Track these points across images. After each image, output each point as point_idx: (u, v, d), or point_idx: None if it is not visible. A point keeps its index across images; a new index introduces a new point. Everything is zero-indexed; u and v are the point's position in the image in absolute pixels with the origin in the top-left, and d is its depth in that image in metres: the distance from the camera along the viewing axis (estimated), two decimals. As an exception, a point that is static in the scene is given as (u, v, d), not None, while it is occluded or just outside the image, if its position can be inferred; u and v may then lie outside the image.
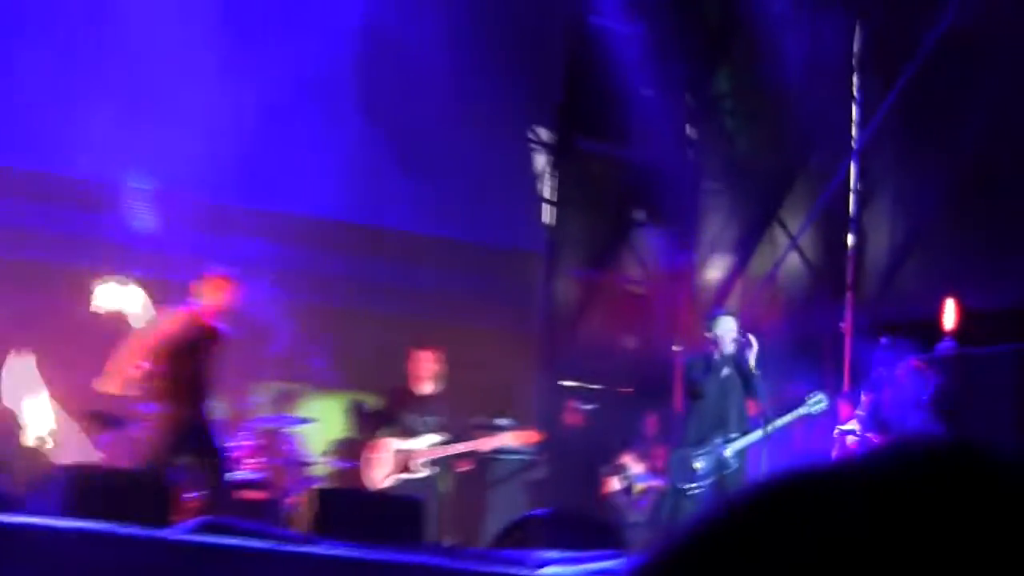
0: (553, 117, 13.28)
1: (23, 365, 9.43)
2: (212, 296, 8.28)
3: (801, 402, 8.58)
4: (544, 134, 13.34)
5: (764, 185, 12.84)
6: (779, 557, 0.67)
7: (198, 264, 8.59)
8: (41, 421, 9.33)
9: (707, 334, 8.56)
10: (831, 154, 12.07)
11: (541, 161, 13.37)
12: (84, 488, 6.61)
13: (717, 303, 12.02)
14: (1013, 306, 9.74)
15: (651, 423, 11.22)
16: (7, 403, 9.28)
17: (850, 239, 12.03)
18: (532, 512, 8.83)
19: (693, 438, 8.48)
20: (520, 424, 10.40)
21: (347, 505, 7.64)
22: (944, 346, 9.28)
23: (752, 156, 13.08)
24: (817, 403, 8.57)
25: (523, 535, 7.82)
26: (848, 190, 11.99)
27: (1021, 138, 10.16)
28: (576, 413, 12.62)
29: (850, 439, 9.14)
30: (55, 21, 10.72)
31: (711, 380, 8.44)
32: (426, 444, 9.26)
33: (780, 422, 8.39)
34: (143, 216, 10.59)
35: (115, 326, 8.45)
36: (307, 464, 9.87)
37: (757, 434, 8.37)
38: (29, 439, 9.24)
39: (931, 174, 11.00)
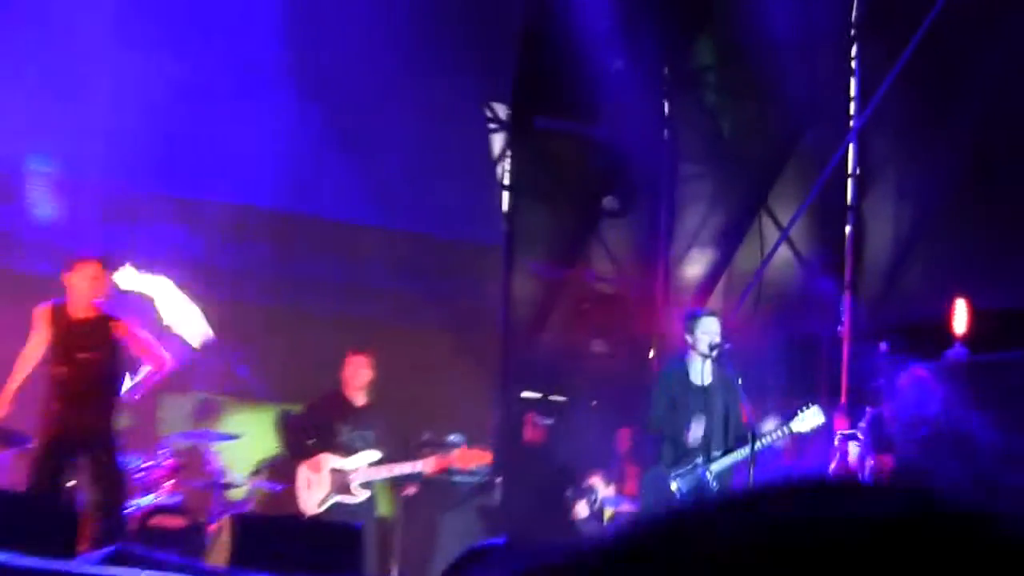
0: (511, 92, 13.15)
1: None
2: (84, 285, 8.09)
3: (793, 416, 8.42)
4: (501, 111, 13.24)
5: (751, 169, 12.75)
6: None
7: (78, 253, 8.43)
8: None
9: (686, 337, 8.46)
10: (827, 134, 11.88)
11: (498, 142, 13.31)
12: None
13: (698, 302, 12.01)
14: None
15: (622, 439, 11.11)
16: None
17: (848, 230, 11.87)
18: (486, 542, 8.27)
19: (670, 457, 8.38)
20: (473, 441, 10.33)
21: (273, 533, 7.42)
22: (954, 353, 9.13)
23: (737, 137, 13.04)
24: (811, 417, 8.40)
25: (475, 568, 7.20)
26: (845, 175, 11.80)
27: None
28: (537, 428, 12.36)
29: (853, 449, 9.06)
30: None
31: (691, 390, 8.39)
32: (364, 462, 9.27)
33: (768, 439, 8.24)
34: (45, 204, 10.54)
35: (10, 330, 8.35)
36: (231, 486, 9.74)
37: (743, 452, 8.22)
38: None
39: (940, 157, 10.84)
